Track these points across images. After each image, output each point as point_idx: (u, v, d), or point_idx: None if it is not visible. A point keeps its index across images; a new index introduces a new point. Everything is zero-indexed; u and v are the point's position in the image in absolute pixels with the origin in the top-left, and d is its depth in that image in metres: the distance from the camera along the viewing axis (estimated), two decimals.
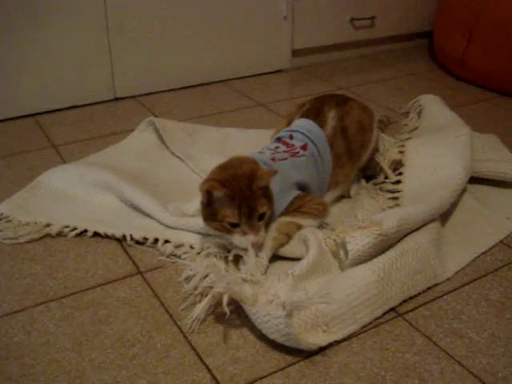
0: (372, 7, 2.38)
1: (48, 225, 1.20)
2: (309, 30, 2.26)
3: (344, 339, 0.91)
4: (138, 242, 1.16)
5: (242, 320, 0.95)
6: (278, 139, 1.24)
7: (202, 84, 2.11)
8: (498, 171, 1.32)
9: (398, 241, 1.06)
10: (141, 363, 0.87)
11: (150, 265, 1.11)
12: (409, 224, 1.06)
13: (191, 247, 1.13)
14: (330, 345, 0.90)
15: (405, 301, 1.00)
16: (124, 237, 1.17)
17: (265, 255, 1.04)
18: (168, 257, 1.12)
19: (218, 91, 2.06)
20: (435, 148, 1.31)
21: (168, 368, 0.87)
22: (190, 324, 0.94)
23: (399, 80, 2.19)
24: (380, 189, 1.30)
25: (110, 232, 1.18)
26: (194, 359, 0.88)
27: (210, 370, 0.86)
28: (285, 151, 1.18)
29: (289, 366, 0.87)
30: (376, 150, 1.35)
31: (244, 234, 1.01)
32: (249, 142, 1.55)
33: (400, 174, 1.30)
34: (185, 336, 0.93)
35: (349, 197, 1.32)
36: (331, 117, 1.26)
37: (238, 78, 2.18)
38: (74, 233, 1.19)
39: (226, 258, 1.07)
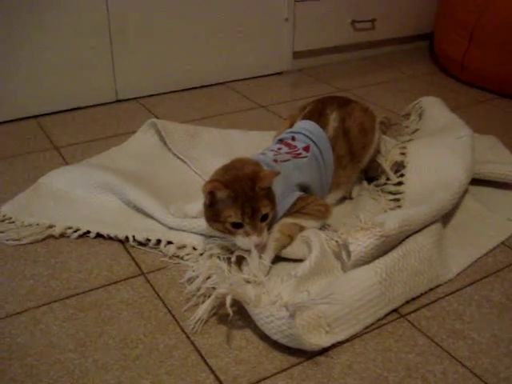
0: (373, 10, 2.39)
1: (51, 226, 1.21)
2: (310, 32, 2.26)
3: (347, 340, 0.92)
4: (140, 243, 1.16)
5: (245, 321, 0.95)
6: (280, 141, 1.24)
7: (204, 86, 2.11)
8: (498, 173, 1.33)
9: (400, 242, 1.06)
10: (144, 364, 0.88)
11: (152, 266, 1.11)
12: (411, 225, 1.06)
13: (194, 248, 1.13)
14: (333, 346, 0.90)
15: (407, 302, 1.00)
16: (127, 238, 1.17)
17: (267, 256, 1.04)
18: (171, 258, 1.12)
19: (219, 93, 2.07)
20: (436, 149, 1.31)
21: (171, 369, 0.87)
22: (193, 325, 0.94)
23: (400, 82, 2.20)
24: (382, 190, 1.30)
25: (112, 233, 1.18)
26: (197, 360, 0.88)
27: (213, 371, 0.86)
28: (287, 152, 1.18)
29: (292, 367, 0.87)
30: (378, 151, 1.35)
31: (247, 235, 1.01)
32: (250, 144, 1.56)
33: (401, 175, 1.30)
34: (188, 337, 0.93)
35: (351, 198, 1.32)
36: (333, 118, 1.26)
37: (239, 80, 2.18)
38: (76, 234, 1.19)
39: (228, 260, 1.07)
